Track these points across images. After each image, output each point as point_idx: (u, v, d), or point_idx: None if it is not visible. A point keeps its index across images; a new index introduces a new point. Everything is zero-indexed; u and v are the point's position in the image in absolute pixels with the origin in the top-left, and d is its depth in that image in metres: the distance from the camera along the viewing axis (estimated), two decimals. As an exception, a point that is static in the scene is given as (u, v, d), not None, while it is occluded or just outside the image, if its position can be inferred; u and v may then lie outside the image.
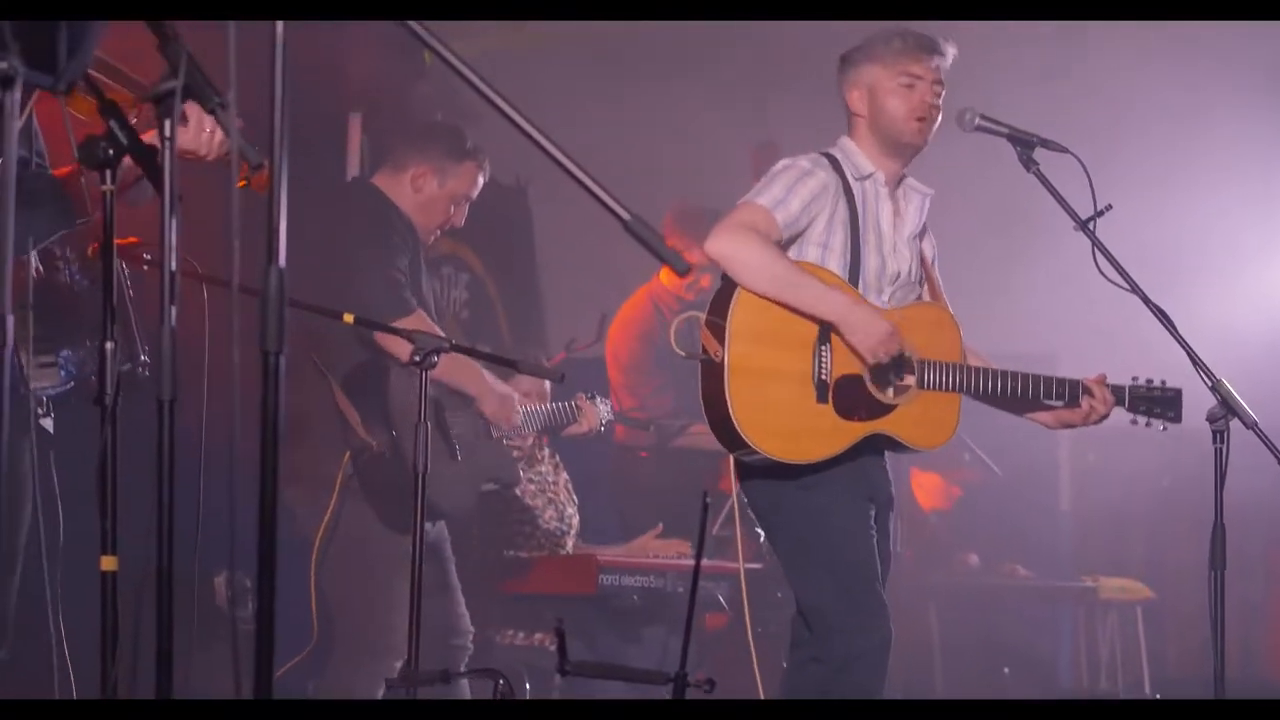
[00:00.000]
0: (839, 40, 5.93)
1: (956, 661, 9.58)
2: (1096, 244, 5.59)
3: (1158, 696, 9.41)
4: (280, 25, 3.00)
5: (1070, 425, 6.00)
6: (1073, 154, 5.66)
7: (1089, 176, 5.57)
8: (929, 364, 5.67)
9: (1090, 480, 10.82)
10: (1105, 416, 5.92)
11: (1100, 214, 5.60)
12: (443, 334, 6.26)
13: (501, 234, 9.64)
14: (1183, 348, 5.45)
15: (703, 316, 5.55)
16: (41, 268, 5.33)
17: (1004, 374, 5.78)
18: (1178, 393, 5.96)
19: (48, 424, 5.54)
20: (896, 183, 5.79)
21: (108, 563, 3.70)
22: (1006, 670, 9.77)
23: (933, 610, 9.56)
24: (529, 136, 3.07)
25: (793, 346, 5.54)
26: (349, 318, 5.72)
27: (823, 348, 5.55)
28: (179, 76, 3.48)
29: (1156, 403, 5.95)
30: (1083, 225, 5.60)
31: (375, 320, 6.06)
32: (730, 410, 5.44)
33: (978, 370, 5.74)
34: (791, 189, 5.59)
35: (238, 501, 3.12)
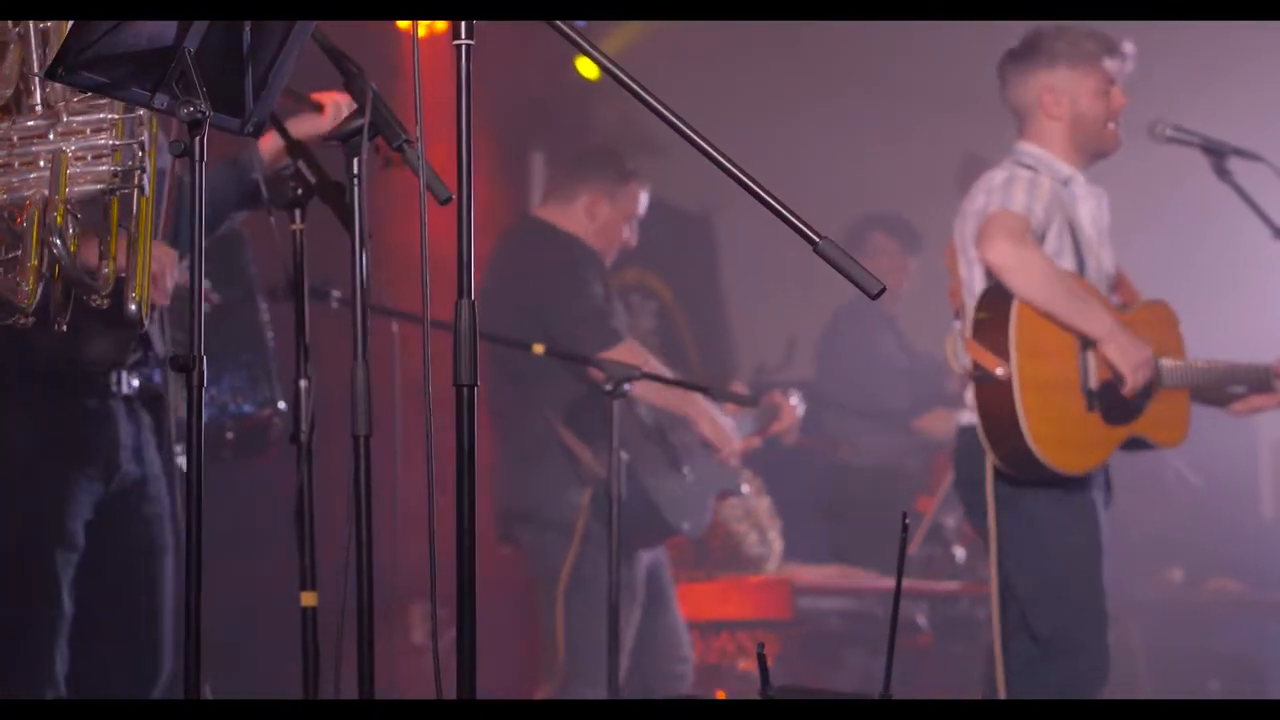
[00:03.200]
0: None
1: (1161, 677, 9.42)
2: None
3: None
4: (463, 48, 3.00)
5: (1258, 410, 5.88)
6: (1267, 162, 5.54)
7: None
8: (1166, 363, 5.61)
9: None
10: None
11: (1301, 223, 5.50)
12: (652, 360, 6.37)
13: (686, 261, 9.64)
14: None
15: (961, 329, 5.49)
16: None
17: (1218, 367, 5.73)
18: None
19: (181, 462, 5.62)
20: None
21: (308, 598, 3.74)
22: (1214, 685, 9.58)
23: (1135, 627, 9.41)
24: (712, 159, 3.04)
25: (1062, 354, 5.46)
26: (539, 349, 5.75)
27: (1086, 354, 5.48)
28: (365, 114, 3.51)
29: None
30: (1280, 235, 5.51)
31: (575, 352, 6.09)
32: (1024, 428, 5.34)
33: (1202, 366, 5.68)
34: (1032, 195, 5.49)
35: (435, 534, 3.11)
